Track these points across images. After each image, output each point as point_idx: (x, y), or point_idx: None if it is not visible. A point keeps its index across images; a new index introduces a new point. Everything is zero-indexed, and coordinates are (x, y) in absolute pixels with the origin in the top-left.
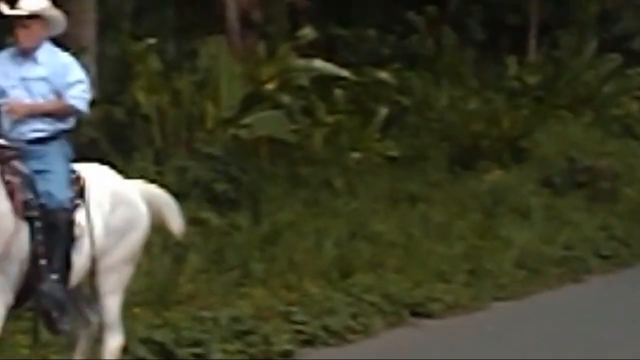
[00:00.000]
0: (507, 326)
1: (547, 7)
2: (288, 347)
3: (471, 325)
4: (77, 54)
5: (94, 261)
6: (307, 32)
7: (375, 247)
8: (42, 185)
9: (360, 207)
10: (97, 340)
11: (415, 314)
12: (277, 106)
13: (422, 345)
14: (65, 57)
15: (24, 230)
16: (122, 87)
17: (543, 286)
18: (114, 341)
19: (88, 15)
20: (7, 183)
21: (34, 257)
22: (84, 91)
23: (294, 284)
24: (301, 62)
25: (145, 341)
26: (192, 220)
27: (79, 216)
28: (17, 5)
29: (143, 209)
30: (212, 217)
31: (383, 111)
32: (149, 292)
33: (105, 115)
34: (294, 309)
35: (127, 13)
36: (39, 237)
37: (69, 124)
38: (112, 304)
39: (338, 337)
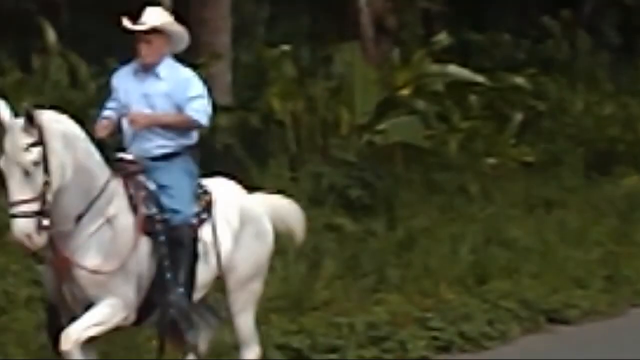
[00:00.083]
0: None
1: None
2: (424, 353)
3: (608, 331)
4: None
5: (221, 278)
6: (442, 38)
7: (511, 253)
8: (165, 200)
9: (496, 212)
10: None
11: (551, 320)
12: (412, 112)
13: (559, 352)
14: (186, 72)
15: (145, 244)
16: (256, 94)
17: None
18: (251, 354)
19: (223, 23)
20: (130, 197)
21: (159, 271)
22: (204, 105)
23: (430, 290)
24: (436, 68)
25: (281, 347)
26: (327, 227)
27: (205, 231)
28: (139, 21)
29: (269, 224)
30: (347, 223)
31: (518, 116)
32: (285, 299)
33: (240, 122)
34: (429, 315)
35: (261, 20)
36: (163, 251)
37: (192, 139)
38: (244, 321)
39: (474, 343)
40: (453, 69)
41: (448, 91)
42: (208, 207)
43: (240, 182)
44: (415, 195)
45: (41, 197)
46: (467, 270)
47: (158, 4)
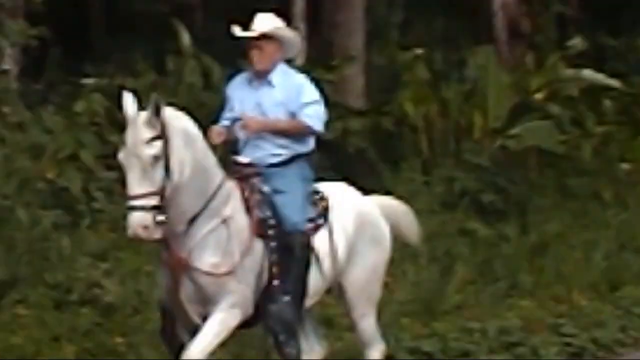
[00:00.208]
0: None
1: None
2: (556, 359)
3: None
4: (345, 62)
5: (338, 284)
6: (577, 42)
7: None
8: (278, 206)
9: (630, 218)
10: None
11: None
12: (546, 116)
13: None
14: (300, 78)
15: (259, 246)
16: (389, 97)
17: None
18: (376, 351)
19: (356, 25)
20: (245, 199)
21: (268, 277)
22: (319, 111)
23: (563, 296)
24: (570, 72)
25: (413, 351)
26: (459, 231)
27: (320, 237)
28: (250, 27)
29: (386, 228)
30: (479, 227)
31: None
32: (417, 303)
33: (373, 125)
34: (562, 321)
35: (395, 23)
36: (274, 257)
37: (307, 146)
38: (366, 326)
39: (607, 350)
40: (587, 73)
41: (582, 96)
42: (324, 213)
43: (371, 185)
44: (549, 200)
45: (159, 192)
46: (600, 276)
47: (288, 8)
